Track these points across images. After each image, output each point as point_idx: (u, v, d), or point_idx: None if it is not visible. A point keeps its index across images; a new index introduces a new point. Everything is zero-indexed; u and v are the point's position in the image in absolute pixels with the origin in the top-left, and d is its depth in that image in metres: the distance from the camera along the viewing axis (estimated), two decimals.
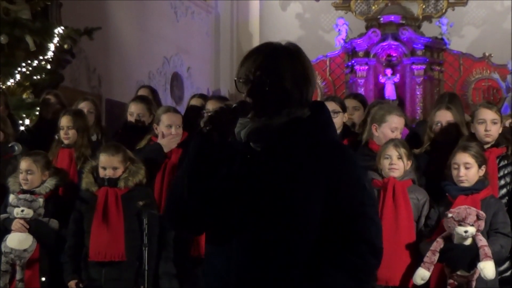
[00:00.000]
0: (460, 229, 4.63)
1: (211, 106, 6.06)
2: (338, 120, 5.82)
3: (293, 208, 2.46)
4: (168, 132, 5.61)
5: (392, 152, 5.00)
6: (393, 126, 5.37)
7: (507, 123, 5.80)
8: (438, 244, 4.70)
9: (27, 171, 5.32)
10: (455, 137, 5.38)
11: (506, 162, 5.20)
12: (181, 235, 5.03)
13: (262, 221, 2.45)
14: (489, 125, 5.19)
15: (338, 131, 5.81)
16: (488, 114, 5.21)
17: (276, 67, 2.52)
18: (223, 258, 2.50)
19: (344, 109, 5.97)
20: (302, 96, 2.54)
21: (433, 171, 5.24)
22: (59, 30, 8.21)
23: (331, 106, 5.82)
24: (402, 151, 5.00)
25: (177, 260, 5.21)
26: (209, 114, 2.47)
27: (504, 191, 5.16)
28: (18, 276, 5.21)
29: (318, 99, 6.41)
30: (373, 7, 14.35)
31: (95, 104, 6.56)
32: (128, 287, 5.08)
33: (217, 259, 2.53)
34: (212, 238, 2.58)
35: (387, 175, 4.99)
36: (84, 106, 6.40)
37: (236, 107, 2.49)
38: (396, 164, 4.98)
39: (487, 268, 4.56)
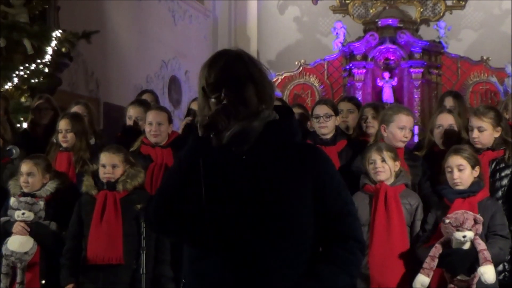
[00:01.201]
0: (458, 234, 4.63)
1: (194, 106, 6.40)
2: (331, 124, 5.76)
3: (284, 209, 2.50)
4: (148, 130, 5.68)
5: (375, 156, 5.00)
6: (401, 124, 5.31)
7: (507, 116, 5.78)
8: (436, 249, 4.70)
9: (28, 174, 5.32)
10: (455, 141, 5.38)
11: (503, 165, 5.20)
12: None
13: (254, 224, 2.48)
14: (475, 133, 5.19)
15: (331, 135, 5.78)
16: (475, 122, 5.21)
17: (247, 72, 2.55)
18: (216, 261, 2.50)
19: (336, 112, 5.88)
20: (271, 98, 2.61)
21: (433, 175, 5.24)
22: (57, 33, 8.21)
23: (324, 109, 5.77)
24: (386, 154, 4.99)
25: (174, 263, 5.21)
26: (210, 119, 2.47)
27: (499, 194, 5.16)
28: (18, 278, 5.21)
29: None
30: (371, 11, 14.32)
31: (88, 108, 6.55)
32: None
33: (207, 263, 2.53)
34: (201, 242, 2.56)
35: (376, 179, 5.00)
36: (77, 109, 6.38)
37: (226, 112, 2.50)
38: (381, 167, 4.98)
39: (488, 273, 4.57)
